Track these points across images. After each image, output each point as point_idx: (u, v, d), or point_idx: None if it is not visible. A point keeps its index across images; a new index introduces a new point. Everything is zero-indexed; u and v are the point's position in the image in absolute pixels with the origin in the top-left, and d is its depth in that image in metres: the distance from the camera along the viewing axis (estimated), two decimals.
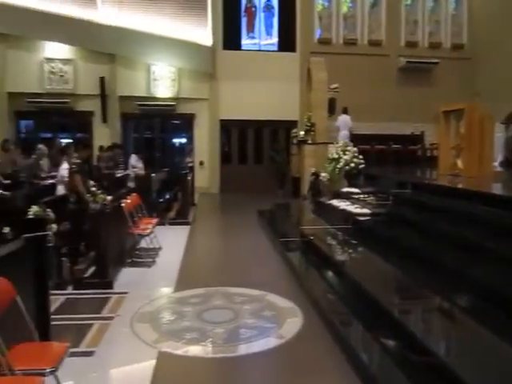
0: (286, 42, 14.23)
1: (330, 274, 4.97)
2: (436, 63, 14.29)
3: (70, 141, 12.60)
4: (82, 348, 3.55)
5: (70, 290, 4.89)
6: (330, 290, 4.59)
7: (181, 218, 8.75)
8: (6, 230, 6.65)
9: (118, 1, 13.03)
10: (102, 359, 3.47)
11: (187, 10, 13.30)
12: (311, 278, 5.24)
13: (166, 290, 5.06)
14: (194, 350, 3.60)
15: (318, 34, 14.42)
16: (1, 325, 2.48)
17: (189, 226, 8.46)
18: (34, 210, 3.40)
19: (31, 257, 3.31)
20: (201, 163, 13.95)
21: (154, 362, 3.40)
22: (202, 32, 13.42)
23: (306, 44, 14.08)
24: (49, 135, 13.74)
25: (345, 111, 11.77)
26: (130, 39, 13.06)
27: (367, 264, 5.04)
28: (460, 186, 6.07)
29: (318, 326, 3.96)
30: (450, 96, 10.92)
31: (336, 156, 8.02)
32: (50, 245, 3.47)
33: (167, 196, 9.30)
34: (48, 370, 2.44)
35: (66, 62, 13.29)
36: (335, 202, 7.27)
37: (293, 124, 13.56)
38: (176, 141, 15.01)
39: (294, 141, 12.25)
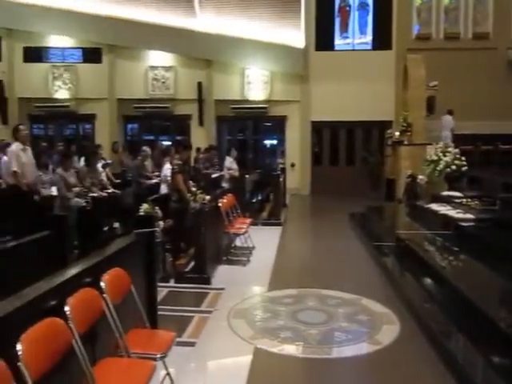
0: (381, 40, 13.80)
1: (428, 281, 4.75)
2: None
3: (169, 143, 13.47)
4: (184, 338, 3.78)
5: (172, 283, 5.23)
6: (429, 297, 4.39)
7: (273, 219, 8.90)
8: (116, 225, 7.31)
9: (215, 8, 13.59)
10: (202, 350, 3.67)
11: (281, 13, 13.46)
12: (408, 284, 5.05)
13: (260, 289, 5.20)
14: (289, 349, 3.66)
15: (415, 29, 13.79)
16: (119, 311, 2.74)
17: (281, 227, 8.57)
18: (144, 207, 3.69)
19: (141, 251, 3.61)
20: (292, 165, 14.04)
21: (250, 357, 3.52)
22: (295, 34, 13.50)
23: (403, 41, 13.52)
24: (151, 138, 14.79)
25: (449, 112, 11.18)
26: (226, 45, 13.55)
27: (471, 272, 4.74)
28: None
29: (417, 334, 3.82)
30: None
31: (435, 158, 7.62)
32: (158, 240, 3.74)
33: (259, 197, 9.51)
34: (158, 356, 2.64)
35: (167, 69, 14.18)
36: (434, 206, 6.91)
37: (387, 124, 13.11)
38: (268, 142, 15.27)
39: (389, 142, 11.84)
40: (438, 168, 7.49)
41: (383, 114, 13.35)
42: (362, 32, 14.05)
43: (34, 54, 14.33)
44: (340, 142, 14.37)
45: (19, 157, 5.85)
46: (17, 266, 3.44)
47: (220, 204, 5.95)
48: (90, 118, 14.59)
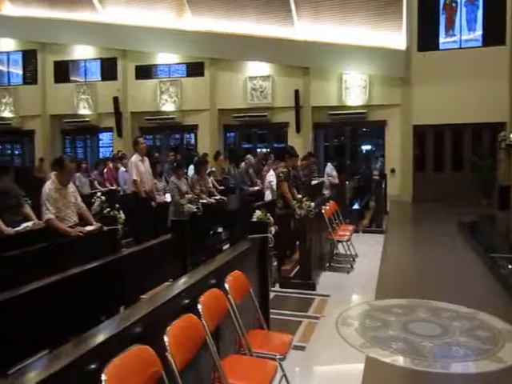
0: (494, 36, 12.81)
1: None
2: None
3: (266, 150, 13.79)
4: (294, 342, 3.87)
5: (277, 287, 5.37)
6: None
7: (374, 226, 8.70)
8: (220, 229, 7.67)
9: (312, 16, 13.69)
10: (312, 355, 3.73)
11: (380, 15, 13.15)
12: None
13: (367, 297, 5.12)
14: (402, 360, 3.58)
15: None
16: (240, 311, 2.91)
17: (383, 235, 8.35)
18: (257, 214, 3.86)
19: (255, 256, 3.78)
20: (392, 170, 13.59)
21: (361, 365, 3.51)
22: (395, 36, 13.10)
23: None
24: (249, 146, 15.29)
25: None
26: (323, 51, 13.58)
27: None
28: None
29: None
30: None
31: None
32: (270, 246, 3.89)
33: (359, 204, 9.35)
34: (278, 357, 2.76)
35: (265, 78, 14.58)
36: None
37: (500, 126, 12.13)
38: (365, 148, 14.96)
39: (502, 145, 10.96)
40: None
41: (495, 115, 12.37)
42: (471, 28, 13.19)
43: (144, 72, 15.64)
44: (445, 146, 13.58)
45: (138, 166, 6.43)
46: (147, 267, 3.80)
47: (323, 211, 5.99)
48: (193, 128, 15.50)
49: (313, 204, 5.45)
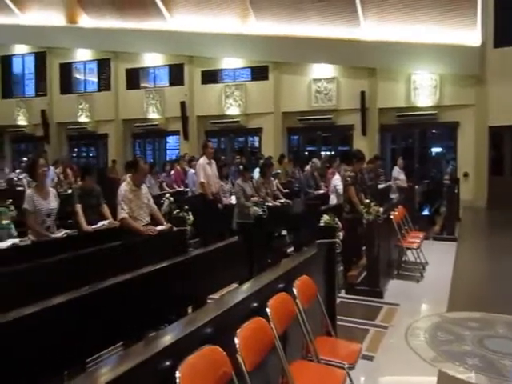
0: None
1: None
2: None
3: (330, 153, 13.59)
4: (362, 351, 3.76)
5: (342, 293, 5.25)
6: None
7: (446, 233, 8.26)
8: (284, 232, 7.64)
9: (378, 15, 13.32)
10: (380, 365, 3.60)
11: (451, 12, 12.51)
12: None
13: (438, 308, 4.86)
14: (478, 378, 3.34)
15: None
16: (307, 317, 2.87)
17: (455, 243, 7.90)
18: (324, 218, 3.79)
19: (322, 261, 3.71)
20: (465, 174, 12.85)
21: (432, 379, 3.34)
22: (468, 32, 12.40)
23: None
24: (313, 149, 15.16)
25: None
26: (391, 51, 13.15)
27: None
28: None
29: None
30: None
31: None
32: (338, 251, 3.80)
33: (429, 209, 8.93)
34: (347, 366, 2.68)
35: (329, 80, 14.39)
36: None
37: None
38: (435, 150, 14.28)
39: None
40: None
41: None
42: None
43: (210, 76, 16.02)
44: None
45: (206, 169, 6.58)
46: (214, 268, 3.86)
47: (392, 216, 5.78)
48: (257, 131, 15.64)
49: (381, 209, 5.27)
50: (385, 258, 5.40)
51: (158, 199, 5.85)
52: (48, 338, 2.39)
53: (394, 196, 8.52)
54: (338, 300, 5.01)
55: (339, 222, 3.86)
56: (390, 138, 14.51)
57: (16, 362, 2.21)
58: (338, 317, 4.39)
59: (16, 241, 4.25)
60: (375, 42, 13.14)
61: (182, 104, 15.93)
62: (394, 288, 5.48)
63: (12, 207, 5.58)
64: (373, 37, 13.23)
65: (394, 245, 5.88)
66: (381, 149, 14.03)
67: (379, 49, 13.14)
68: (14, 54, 18.83)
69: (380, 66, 13.57)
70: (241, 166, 7.66)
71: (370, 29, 13.35)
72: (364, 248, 5.47)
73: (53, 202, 4.58)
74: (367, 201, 5.28)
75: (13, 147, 19.32)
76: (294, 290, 2.82)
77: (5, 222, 4.47)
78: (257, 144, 16.02)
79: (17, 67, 18.92)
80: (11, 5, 16.46)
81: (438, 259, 6.69)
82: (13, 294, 3.05)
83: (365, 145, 13.64)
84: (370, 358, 3.67)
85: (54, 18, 16.39)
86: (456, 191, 9.15)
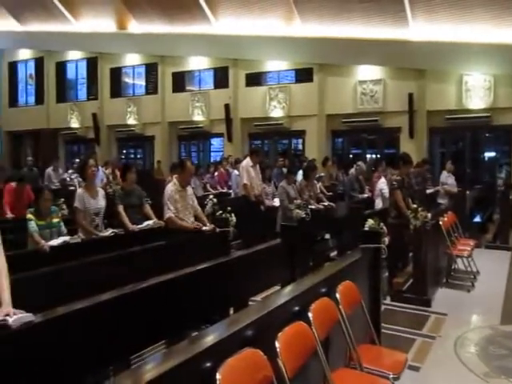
0: None
1: None
2: None
3: (375, 157, 13.29)
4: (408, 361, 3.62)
5: (387, 300, 5.09)
6: None
7: (499, 242, 7.84)
8: (327, 236, 7.52)
9: (428, 14, 12.88)
10: (427, 377, 3.46)
11: (507, 8, 11.92)
12: None
13: (490, 320, 4.61)
14: None
15: None
16: (350, 323, 2.79)
17: (509, 252, 7.49)
18: (369, 222, 3.69)
19: (366, 266, 3.61)
20: None
21: None
22: None
23: None
24: (358, 151, 14.88)
25: None
26: (441, 51, 12.66)
27: None
28: None
29: None
30: None
31: None
32: (383, 257, 3.69)
33: (481, 216, 8.52)
34: (392, 376, 2.58)
35: (375, 82, 14.07)
36: None
37: None
38: (489, 155, 13.62)
39: None
40: None
41: None
42: None
43: (254, 79, 16.08)
44: None
45: (249, 171, 6.59)
46: (256, 270, 3.84)
47: (441, 222, 5.56)
48: (301, 134, 15.54)
49: (429, 214, 5.08)
50: (432, 265, 5.20)
51: (201, 200, 5.91)
52: (95, 334, 2.45)
53: (442, 201, 8.19)
54: (383, 307, 4.87)
55: (385, 227, 3.74)
56: (438, 141, 13.99)
57: (65, 356, 2.28)
58: (383, 324, 4.28)
59: (67, 238, 4.41)
60: (424, 42, 12.70)
61: (227, 106, 16.08)
62: (442, 297, 5.27)
63: (64, 206, 5.82)
64: (422, 37, 12.79)
65: (442, 252, 5.65)
66: (429, 152, 13.55)
67: (429, 49, 12.69)
68: (68, 60, 19.71)
69: (429, 67, 13.11)
70: (284, 169, 7.64)
71: (418, 28, 12.91)
72: (411, 254, 5.29)
73: (101, 201, 4.74)
74: (414, 206, 5.11)
75: (66, 149, 20.21)
76: (337, 295, 2.76)
77: (55, 220, 4.65)
78: (300, 146, 15.91)
79: (70, 73, 19.79)
80: (66, 13, 17.23)
81: (491, 268, 6.36)
82: (62, 289, 3.17)
83: (412, 148, 13.21)
84: (417, 369, 3.53)
85: (106, 25, 17.00)
86: (510, 197, 8.68)
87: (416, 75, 13.37)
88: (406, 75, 13.52)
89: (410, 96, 13.27)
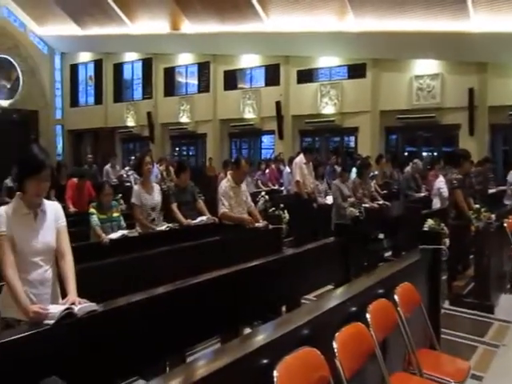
0: None
1: None
2: None
3: (432, 154, 12.77)
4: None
5: (446, 304, 4.87)
6: None
7: None
8: (381, 236, 7.31)
9: (490, 4, 12.19)
10: None
11: None
12: None
13: None
14: None
15: None
16: (409, 327, 2.68)
17: None
18: (429, 223, 3.53)
19: (426, 268, 3.45)
20: None
21: None
22: None
23: None
24: (413, 149, 14.37)
25: None
26: (505, 43, 11.96)
27: None
28: None
29: None
30: None
31: None
32: (444, 259, 3.52)
33: None
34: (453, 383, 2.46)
35: (433, 77, 13.50)
36: None
37: None
38: None
39: None
40: None
41: None
42: None
43: (306, 76, 15.91)
44: None
45: (302, 168, 6.53)
46: (309, 268, 3.79)
47: (505, 224, 5.23)
48: (353, 131, 15.22)
49: (493, 215, 4.80)
50: (496, 269, 4.91)
51: (254, 197, 5.92)
52: (151, 326, 2.50)
53: (508, 202, 7.72)
54: (442, 311, 4.67)
55: (445, 228, 3.57)
56: (501, 138, 13.22)
57: (124, 346, 2.34)
58: (442, 329, 4.10)
59: (125, 232, 4.57)
60: (487, 34, 12.03)
61: (278, 104, 16.03)
62: (506, 303, 4.96)
63: (122, 201, 6.03)
64: (484, 29, 12.12)
65: (507, 256, 5.32)
66: (491, 150, 12.85)
67: (491, 41, 12.01)
68: (125, 62, 20.43)
69: (492, 61, 12.40)
70: (336, 166, 7.50)
71: (480, 19, 12.25)
72: (472, 257, 5.02)
73: (157, 197, 4.87)
74: (477, 206, 4.84)
75: (123, 147, 20.98)
76: (396, 297, 2.66)
77: (115, 214, 4.82)
78: (352, 144, 15.59)
79: (127, 73, 20.51)
80: (123, 16, 17.86)
81: None
82: (120, 281, 3.27)
83: (472, 146, 12.54)
84: (479, 378, 3.34)
85: (160, 26, 17.46)
86: None
87: (477, 69, 12.70)
88: (465, 69, 12.87)
89: (471, 91, 12.61)
